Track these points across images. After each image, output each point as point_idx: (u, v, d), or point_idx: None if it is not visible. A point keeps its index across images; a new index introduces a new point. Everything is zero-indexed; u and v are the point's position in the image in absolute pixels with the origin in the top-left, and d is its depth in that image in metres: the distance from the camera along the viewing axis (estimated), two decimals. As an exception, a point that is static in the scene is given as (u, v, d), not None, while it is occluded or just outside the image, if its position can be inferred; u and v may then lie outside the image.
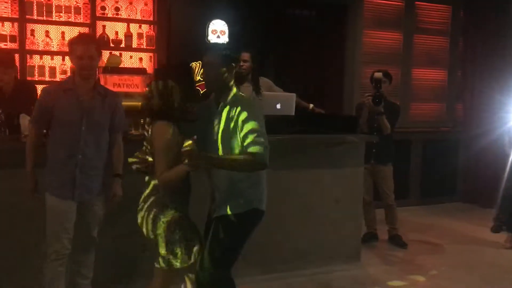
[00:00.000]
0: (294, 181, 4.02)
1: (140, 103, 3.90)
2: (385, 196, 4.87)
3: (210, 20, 5.49)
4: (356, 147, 4.25)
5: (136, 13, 5.22)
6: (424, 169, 6.61)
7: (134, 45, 5.19)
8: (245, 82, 4.46)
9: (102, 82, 4.22)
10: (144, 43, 5.23)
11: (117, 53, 5.06)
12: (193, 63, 5.37)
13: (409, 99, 6.73)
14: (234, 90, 2.72)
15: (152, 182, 2.65)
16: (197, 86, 5.42)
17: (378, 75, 4.74)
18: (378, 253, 4.64)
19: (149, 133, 2.64)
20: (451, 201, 6.69)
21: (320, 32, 6.11)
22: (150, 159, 2.62)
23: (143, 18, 5.25)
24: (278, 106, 4.16)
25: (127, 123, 3.49)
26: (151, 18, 5.28)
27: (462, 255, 4.67)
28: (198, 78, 5.43)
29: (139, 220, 2.69)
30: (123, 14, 5.17)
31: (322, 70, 6.17)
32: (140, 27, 5.23)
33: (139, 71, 4.63)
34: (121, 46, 5.12)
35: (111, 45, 5.09)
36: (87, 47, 2.85)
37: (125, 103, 3.89)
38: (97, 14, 5.02)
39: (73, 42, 2.91)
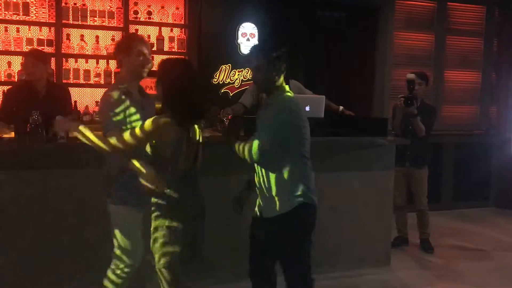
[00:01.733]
0: (323, 184, 3.98)
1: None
2: (417, 200, 4.80)
3: (240, 23, 5.55)
4: (386, 150, 4.21)
5: (168, 17, 5.31)
6: (457, 173, 6.49)
7: (166, 48, 5.28)
8: None
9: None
10: (176, 47, 5.31)
11: (149, 56, 5.15)
12: (223, 66, 5.44)
13: (442, 101, 6.62)
14: (281, 89, 2.70)
15: None
16: (226, 88, 5.51)
17: (411, 76, 4.68)
18: (408, 258, 4.58)
19: None
20: (484, 206, 6.54)
21: (351, 34, 6.07)
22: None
23: (174, 22, 5.33)
24: (307, 108, 4.16)
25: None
26: (182, 22, 5.36)
27: (496, 261, 4.56)
28: (228, 80, 5.49)
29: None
30: (155, 18, 5.27)
31: (353, 72, 6.13)
32: (171, 30, 5.32)
33: (170, 74, 4.71)
34: (153, 49, 5.21)
35: (143, 48, 5.19)
36: (147, 45, 2.87)
37: (156, 105, 3.99)
38: (130, 18, 5.13)
39: (135, 40, 2.85)
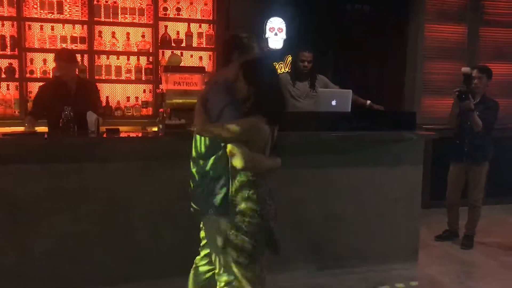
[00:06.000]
0: (350, 179, 4.00)
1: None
2: (470, 194, 4.75)
3: (268, 18, 5.56)
4: (415, 145, 4.16)
5: (196, 13, 5.37)
6: (492, 168, 6.31)
7: (195, 44, 5.35)
8: (306, 80, 4.64)
9: (163, 81, 4.39)
10: (204, 42, 5.37)
11: (178, 52, 5.23)
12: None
13: (475, 94, 6.46)
14: None
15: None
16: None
17: (465, 70, 4.63)
18: (439, 254, 4.52)
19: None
20: (520, 202, 6.37)
21: (380, 27, 5.99)
22: None
23: (203, 18, 5.39)
24: (334, 102, 4.17)
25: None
26: (211, 18, 5.41)
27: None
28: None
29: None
30: (184, 14, 5.33)
31: (383, 66, 6.06)
32: (200, 26, 5.38)
33: (198, 70, 4.78)
34: (182, 45, 5.30)
35: (173, 44, 5.28)
36: None
37: (185, 100, 4.07)
38: (160, 15, 5.22)
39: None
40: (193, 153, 2.64)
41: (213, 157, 2.52)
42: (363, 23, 5.99)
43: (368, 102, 4.67)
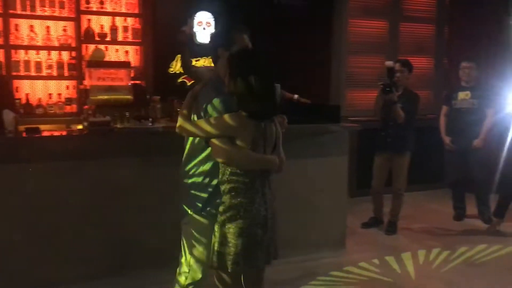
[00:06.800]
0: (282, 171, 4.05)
1: (125, 97, 3.98)
2: (394, 183, 4.94)
3: (196, 12, 5.50)
4: (340, 136, 4.30)
5: (121, 6, 5.22)
6: (414, 157, 6.64)
7: (120, 38, 5.20)
8: None
9: (87, 76, 4.24)
10: (130, 36, 5.24)
11: (102, 46, 5.06)
12: (179, 55, 5.39)
13: (396, 87, 6.76)
14: None
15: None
16: (183, 78, 5.48)
17: (389, 63, 4.79)
18: (367, 241, 4.71)
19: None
20: (439, 188, 6.73)
21: (307, 22, 6.12)
22: None
23: (128, 11, 5.25)
24: (262, 97, 4.20)
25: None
26: (136, 11, 5.28)
27: (452, 241, 4.72)
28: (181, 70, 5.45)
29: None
30: (108, 7, 5.17)
31: (309, 60, 6.19)
32: (125, 20, 5.24)
33: (124, 65, 4.66)
34: (106, 39, 5.13)
35: (97, 38, 5.10)
36: None
37: (110, 96, 3.96)
38: (82, 8, 5.03)
39: None
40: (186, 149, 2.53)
41: (199, 155, 2.43)
42: (290, 18, 6.08)
43: (296, 96, 4.76)
